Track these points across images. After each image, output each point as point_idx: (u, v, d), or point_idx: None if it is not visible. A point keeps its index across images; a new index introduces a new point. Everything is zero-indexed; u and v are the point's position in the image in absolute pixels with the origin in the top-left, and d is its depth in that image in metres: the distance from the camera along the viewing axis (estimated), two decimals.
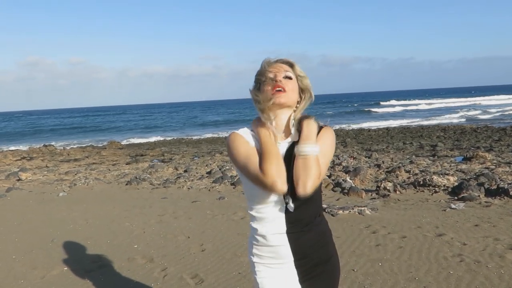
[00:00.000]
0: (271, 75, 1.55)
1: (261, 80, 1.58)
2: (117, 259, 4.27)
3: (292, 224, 1.55)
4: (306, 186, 1.44)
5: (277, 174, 1.42)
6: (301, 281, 1.60)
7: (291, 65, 1.59)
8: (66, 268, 4.08)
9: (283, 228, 1.55)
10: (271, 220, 1.56)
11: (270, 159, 1.45)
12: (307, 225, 1.57)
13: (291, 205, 1.51)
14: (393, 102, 67.49)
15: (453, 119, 33.04)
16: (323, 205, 5.30)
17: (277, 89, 1.53)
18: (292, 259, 1.58)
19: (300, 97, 1.61)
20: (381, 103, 67.50)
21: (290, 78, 1.57)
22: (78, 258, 4.38)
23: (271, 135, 1.53)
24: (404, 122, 32.58)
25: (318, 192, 1.60)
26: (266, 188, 1.44)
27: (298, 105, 1.60)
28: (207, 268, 3.90)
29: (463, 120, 31.47)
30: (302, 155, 1.46)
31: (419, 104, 58.99)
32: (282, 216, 1.55)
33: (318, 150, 1.48)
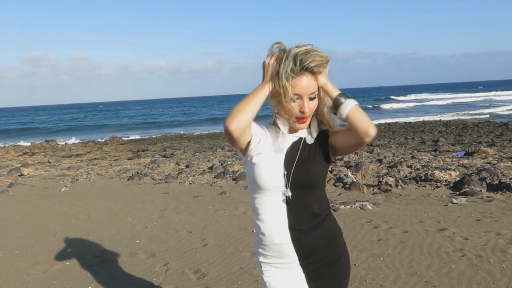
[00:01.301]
0: (296, 96, 1.44)
1: (279, 88, 1.44)
2: (119, 254, 4.28)
3: (294, 218, 1.53)
4: (372, 126, 1.44)
5: (233, 113, 1.40)
6: (309, 281, 1.58)
7: (316, 73, 1.44)
8: (68, 263, 4.09)
9: (285, 221, 1.53)
10: (272, 213, 1.54)
11: (240, 102, 1.43)
12: (312, 222, 1.55)
13: (289, 194, 1.51)
14: (406, 97, 65.53)
15: (484, 115, 29.68)
16: None
17: (301, 118, 1.48)
18: (297, 257, 1.56)
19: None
20: (393, 97, 65.61)
21: (314, 98, 1.48)
22: (80, 252, 4.39)
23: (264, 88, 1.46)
24: (430, 118, 28.86)
25: (321, 188, 1.59)
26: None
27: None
28: (209, 263, 3.91)
29: (488, 117, 27.58)
30: (356, 104, 1.45)
31: (434, 99, 56.88)
32: (283, 208, 1.54)
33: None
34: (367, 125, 1.44)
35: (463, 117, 28.25)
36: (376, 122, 27.26)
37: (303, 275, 1.58)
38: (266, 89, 1.45)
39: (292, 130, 1.55)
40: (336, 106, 1.46)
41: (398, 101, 56.32)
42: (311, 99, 1.46)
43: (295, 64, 1.40)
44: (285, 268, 1.58)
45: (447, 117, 29.43)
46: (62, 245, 4.68)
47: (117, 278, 3.70)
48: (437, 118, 28.65)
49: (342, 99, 1.45)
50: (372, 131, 1.44)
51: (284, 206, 1.53)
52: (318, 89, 1.48)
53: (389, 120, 28.15)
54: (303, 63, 1.40)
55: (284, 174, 1.52)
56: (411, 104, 48.65)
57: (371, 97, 74.78)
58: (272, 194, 1.53)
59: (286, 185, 1.51)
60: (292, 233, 1.53)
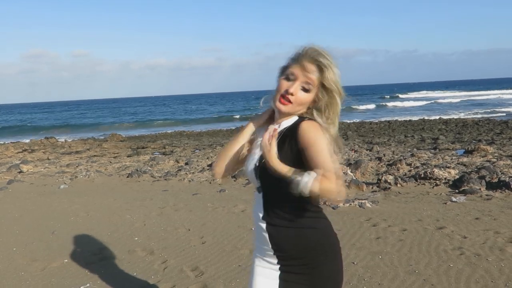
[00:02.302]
0: (291, 76, 1.47)
1: (284, 69, 1.51)
2: (118, 252, 4.27)
3: (267, 211, 1.56)
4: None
5: (214, 164, 1.69)
6: (281, 271, 1.59)
7: (320, 70, 1.44)
8: (66, 260, 4.09)
9: (261, 213, 1.58)
10: (256, 202, 1.62)
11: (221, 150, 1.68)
12: (284, 220, 1.53)
13: (258, 185, 1.57)
14: (414, 94, 64.93)
15: (501, 113, 27.98)
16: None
17: (284, 98, 1.48)
18: (270, 247, 1.57)
19: (318, 98, 1.48)
20: (400, 96, 64.71)
21: (307, 91, 1.46)
22: (78, 250, 4.39)
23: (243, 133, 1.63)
24: (449, 117, 26.37)
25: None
26: None
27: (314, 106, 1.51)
28: (207, 260, 3.91)
29: None
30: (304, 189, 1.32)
31: (447, 97, 55.83)
32: (260, 200, 1.58)
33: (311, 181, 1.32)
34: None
35: (484, 115, 27.19)
36: (379, 120, 27.17)
37: (277, 264, 1.59)
38: (241, 137, 1.63)
39: (278, 121, 1.55)
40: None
41: (409, 99, 54.53)
42: (304, 90, 1.47)
43: (301, 55, 1.47)
44: (265, 255, 1.61)
45: (469, 115, 28.15)
46: (60, 242, 4.68)
47: (115, 276, 3.69)
48: (461, 116, 27.27)
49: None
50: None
51: (261, 198, 1.58)
52: (324, 88, 1.46)
53: (407, 118, 26.92)
54: (306, 52, 1.46)
55: (255, 165, 1.54)
56: (423, 102, 47.28)
57: (375, 94, 74.33)
58: (254, 185, 1.62)
59: (255, 176, 1.56)
60: (266, 225, 1.56)
